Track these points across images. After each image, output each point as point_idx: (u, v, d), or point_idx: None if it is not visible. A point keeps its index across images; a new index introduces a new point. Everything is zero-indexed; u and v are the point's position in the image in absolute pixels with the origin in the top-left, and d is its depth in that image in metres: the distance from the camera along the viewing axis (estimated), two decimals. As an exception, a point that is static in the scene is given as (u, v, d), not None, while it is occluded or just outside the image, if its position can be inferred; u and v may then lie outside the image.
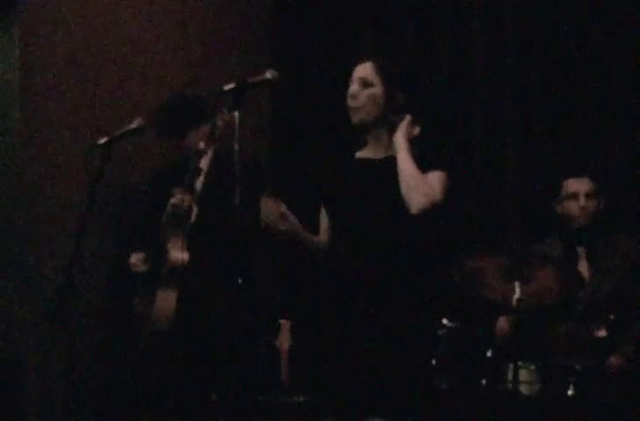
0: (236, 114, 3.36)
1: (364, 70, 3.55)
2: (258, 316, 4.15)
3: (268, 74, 3.42)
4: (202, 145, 4.31)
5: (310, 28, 5.56)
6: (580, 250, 4.50)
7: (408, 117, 3.49)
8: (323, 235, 3.63)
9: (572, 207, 4.48)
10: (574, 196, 4.48)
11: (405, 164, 3.44)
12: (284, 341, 4.17)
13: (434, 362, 3.93)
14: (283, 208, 3.46)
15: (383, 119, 3.55)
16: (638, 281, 4.34)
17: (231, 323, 3.76)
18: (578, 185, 4.49)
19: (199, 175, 4.33)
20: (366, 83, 3.53)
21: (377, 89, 3.53)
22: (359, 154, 3.64)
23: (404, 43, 5.36)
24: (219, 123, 4.20)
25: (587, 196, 4.46)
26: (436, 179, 3.47)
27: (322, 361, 3.48)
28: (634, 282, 4.34)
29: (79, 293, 3.84)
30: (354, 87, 3.54)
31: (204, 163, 4.31)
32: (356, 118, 3.54)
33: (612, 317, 4.10)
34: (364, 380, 3.39)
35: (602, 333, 4.13)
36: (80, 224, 3.73)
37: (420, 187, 3.41)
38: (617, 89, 4.94)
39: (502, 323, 4.35)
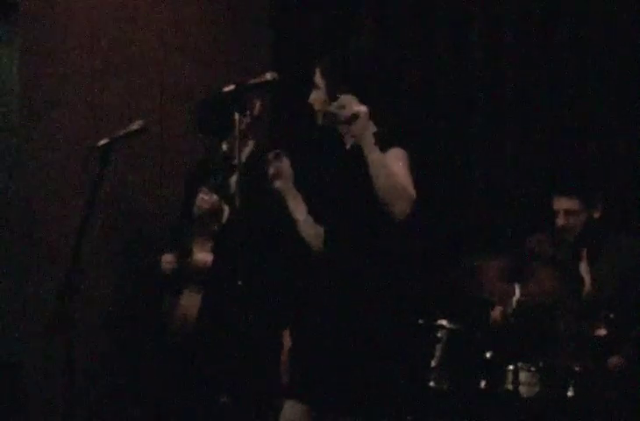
0: (236, 115, 3.37)
1: (318, 76, 3.56)
2: (260, 318, 4.14)
3: (268, 76, 3.42)
4: (225, 146, 4.31)
5: (310, 28, 5.55)
6: (581, 250, 4.49)
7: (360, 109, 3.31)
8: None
9: (557, 223, 4.50)
10: (557, 213, 4.49)
11: (377, 169, 3.32)
12: (285, 343, 4.17)
13: (433, 364, 3.94)
14: (284, 165, 3.47)
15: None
16: (638, 282, 4.34)
17: (243, 323, 3.75)
18: (558, 203, 4.49)
19: (231, 174, 4.32)
20: (316, 88, 3.55)
21: (320, 92, 3.53)
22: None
23: (404, 42, 5.36)
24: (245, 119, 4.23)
25: (568, 213, 4.46)
26: (402, 167, 3.37)
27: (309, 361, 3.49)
28: (634, 283, 4.34)
29: (79, 294, 3.83)
30: (315, 92, 3.56)
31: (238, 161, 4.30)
32: (319, 121, 3.56)
33: (612, 316, 4.10)
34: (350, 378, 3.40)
35: (602, 333, 4.13)
36: (80, 225, 3.73)
37: (398, 192, 3.32)
38: (618, 89, 4.94)
39: (496, 313, 4.35)
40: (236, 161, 4.30)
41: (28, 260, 4.49)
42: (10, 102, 4.53)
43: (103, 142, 3.85)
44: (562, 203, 4.47)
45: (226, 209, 4.23)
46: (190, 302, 4.24)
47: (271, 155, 3.51)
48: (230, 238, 4.18)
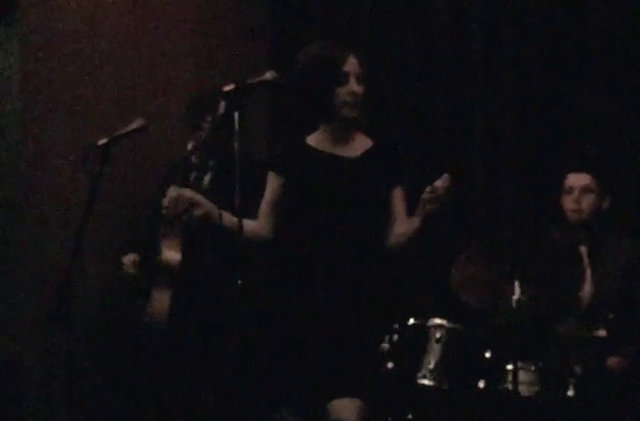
0: (236, 115, 3.36)
1: (358, 65, 3.49)
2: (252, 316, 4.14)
3: (268, 75, 3.41)
4: (190, 145, 4.32)
5: (310, 28, 5.54)
6: (582, 249, 4.49)
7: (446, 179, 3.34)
8: (264, 223, 3.57)
9: (567, 201, 4.46)
10: (570, 190, 4.46)
11: (410, 235, 3.46)
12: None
13: (432, 363, 3.93)
14: (191, 194, 3.44)
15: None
16: (638, 283, 4.33)
17: (227, 323, 3.75)
18: (574, 179, 4.46)
19: (202, 173, 4.34)
20: (361, 80, 3.48)
21: (357, 83, 3.49)
22: (324, 147, 3.58)
23: (403, 43, 5.36)
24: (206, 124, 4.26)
25: (584, 190, 4.43)
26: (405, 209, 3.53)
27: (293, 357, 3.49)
28: (634, 284, 4.33)
29: (78, 293, 3.84)
30: (359, 85, 3.48)
31: (194, 159, 4.33)
32: (356, 114, 3.50)
33: (611, 316, 4.09)
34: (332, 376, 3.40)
35: (602, 333, 4.13)
36: (80, 225, 3.73)
37: (406, 244, 3.49)
38: (624, 85, 4.94)
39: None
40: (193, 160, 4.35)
41: (27, 258, 4.49)
42: (9, 102, 4.53)
43: (102, 141, 3.86)
44: (578, 180, 4.44)
45: None
46: (160, 301, 4.24)
47: (184, 195, 3.48)
48: (201, 235, 4.18)
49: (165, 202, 4.22)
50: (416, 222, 3.40)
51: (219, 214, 3.44)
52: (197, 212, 3.45)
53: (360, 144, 3.58)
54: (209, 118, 4.32)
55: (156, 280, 4.29)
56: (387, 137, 3.71)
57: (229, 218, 3.41)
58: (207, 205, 3.46)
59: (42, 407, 4.50)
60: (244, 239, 3.40)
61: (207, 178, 4.39)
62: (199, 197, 3.46)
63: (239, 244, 3.36)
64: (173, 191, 4.14)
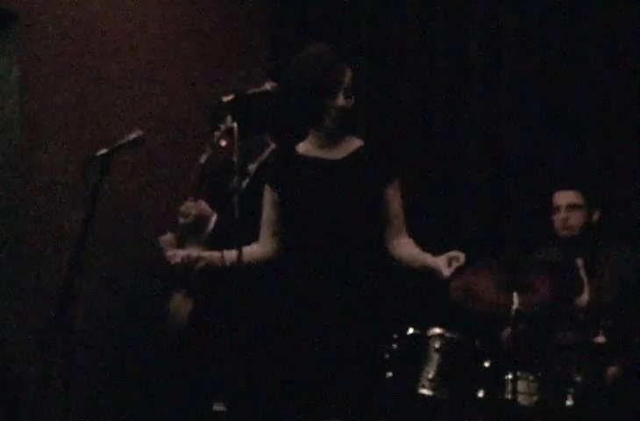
0: (235, 125, 3.37)
1: (351, 78, 3.52)
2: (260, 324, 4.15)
3: (267, 86, 3.43)
4: (203, 158, 4.31)
5: (310, 35, 5.56)
6: (579, 261, 4.50)
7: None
8: (267, 242, 3.62)
9: (556, 220, 4.51)
10: (558, 208, 4.51)
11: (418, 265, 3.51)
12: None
13: (432, 373, 3.93)
14: (188, 252, 3.54)
15: None
16: (636, 294, 4.34)
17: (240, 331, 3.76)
18: (560, 198, 4.53)
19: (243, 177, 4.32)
20: (350, 92, 3.52)
21: (350, 97, 3.53)
22: (311, 153, 3.60)
23: (403, 47, 5.37)
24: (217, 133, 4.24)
25: (571, 208, 4.48)
26: (400, 204, 3.57)
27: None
28: (633, 293, 4.34)
29: (78, 303, 3.83)
30: (347, 98, 3.51)
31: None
32: (338, 126, 3.53)
33: (610, 323, 4.10)
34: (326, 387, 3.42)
35: (601, 340, 4.13)
36: (79, 235, 3.73)
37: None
38: (620, 98, 4.95)
39: (506, 335, 4.34)
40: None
41: (26, 268, 4.49)
42: (8, 112, 4.53)
43: (101, 152, 3.86)
44: (564, 198, 4.50)
45: (214, 215, 4.22)
46: (180, 307, 4.24)
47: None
48: (224, 242, 4.17)
49: (183, 209, 4.23)
50: (428, 261, 3.46)
51: (220, 257, 3.50)
52: (199, 265, 3.53)
53: (349, 146, 3.59)
54: (218, 130, 4.29)
55: (177, 286, 4.29)
56: (378, 137, 3.73)
57: (230, 256, 3.43)
58: (206, 256, 3.55)
59: (40, 418, 4.49)
60: (250, 265, 3.46)
61: (245, 182, 4.35)
62: (195, 252, 3.56)
63: (243, 270, 3.39)
64: (190, 203, 4.17)
